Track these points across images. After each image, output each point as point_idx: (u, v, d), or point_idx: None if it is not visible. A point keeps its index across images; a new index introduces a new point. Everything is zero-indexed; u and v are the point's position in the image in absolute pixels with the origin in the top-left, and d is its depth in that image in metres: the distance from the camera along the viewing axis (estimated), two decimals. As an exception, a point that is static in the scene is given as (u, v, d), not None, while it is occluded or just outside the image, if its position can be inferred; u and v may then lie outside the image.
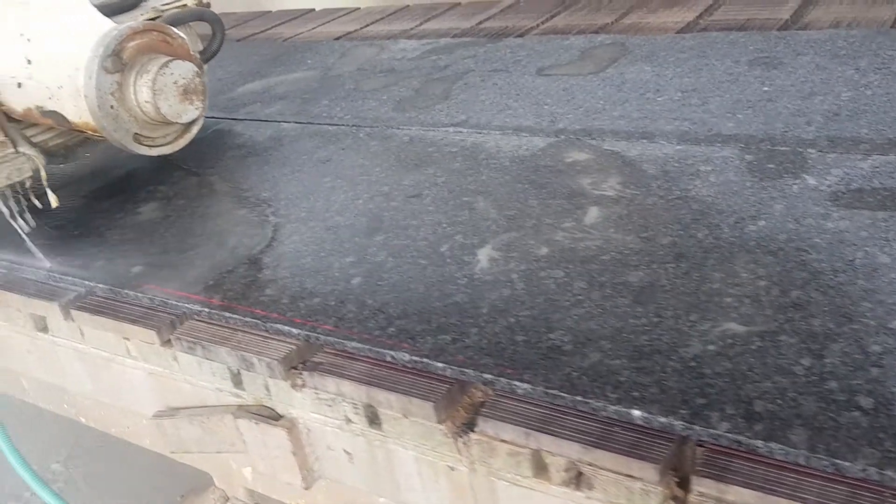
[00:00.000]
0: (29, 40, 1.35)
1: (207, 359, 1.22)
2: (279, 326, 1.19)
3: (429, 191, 1.52)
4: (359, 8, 3.44)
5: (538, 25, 2.51)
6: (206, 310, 1.27)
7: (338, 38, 2.91)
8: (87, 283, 1.42)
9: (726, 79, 1.72)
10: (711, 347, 0.95)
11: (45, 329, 1.49)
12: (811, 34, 1.88)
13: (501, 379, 0.98)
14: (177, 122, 1.53)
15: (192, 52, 1.54)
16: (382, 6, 3.40)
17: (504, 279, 1.18)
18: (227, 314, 1.25)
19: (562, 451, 0.89)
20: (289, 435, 1.15)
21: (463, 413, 1.02)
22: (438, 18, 2.91)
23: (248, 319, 1.23)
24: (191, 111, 1.51)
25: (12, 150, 1.35)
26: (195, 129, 1.62)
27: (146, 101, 1.44)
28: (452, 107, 1.92)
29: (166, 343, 1.28)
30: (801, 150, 1.37)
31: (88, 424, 2.00)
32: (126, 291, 1.37)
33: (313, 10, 3.54)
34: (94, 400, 1.85)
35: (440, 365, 1.03)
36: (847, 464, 0.76)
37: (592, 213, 1.30)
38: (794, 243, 1.12)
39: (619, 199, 1.32)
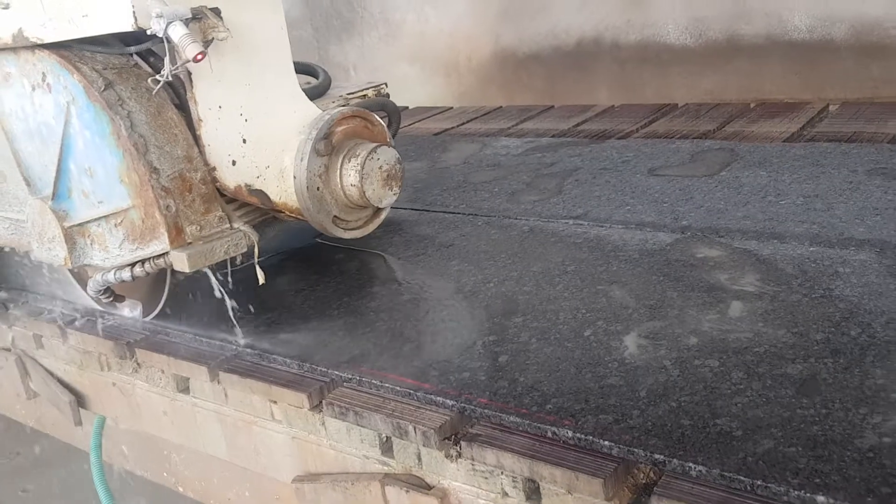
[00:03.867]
0: (246, 120, 1.45)
1: (359, 425, 1.26)
2: (433, 397, 1.23)
3: (560, 278, 1.57)
4: (451, 107, 3.61)
5: (638, 129, 2.61)
6: (357, 377, 1.32)
7: (437, 134, 3.05)
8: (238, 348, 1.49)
9: (847, 187, 1.76)
10: (887, 440, 0.96)
11: (186, 390, 1.55)
12: (925, 148, 1.92)
13: (674, 460, 1.00)
14: (371, 207, 1.58)
15: (389, 140, 1.62)
16: (476, 106, 3.57)
17: (657, 365, 1.20)
18: (379, 382, 1.29)
19: (744, 534, 0.90)
20: (441, 502, 1.17)
21: (628, 493, 1.03)
22: (534, 119, 3.03)
23: (399, 388, 1.27)
24: (389, 196, 1.57)
25: (228, 225, 1.42)
26: (383, 215, 1.66)
27: (352, 185, 1.50)
28: (568, 201, 2.00)
29: (315, 408, 1.33)
30: (939, 257, 1.39)
31: (186, 494, 2.02)
32: (274, 356, 1.43)
33: (407, 107, 3.72)
34: (196, 470, 1.88)
35: (607, 443, 1.05)
36: None
37: (736, 307, 1.33)
38: (953, 346, 1.13)
39: (762, 295, 1.35)
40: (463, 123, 3.18)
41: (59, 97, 1.36)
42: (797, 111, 2.49)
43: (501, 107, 3.41)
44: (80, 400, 1.81)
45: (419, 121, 3.37)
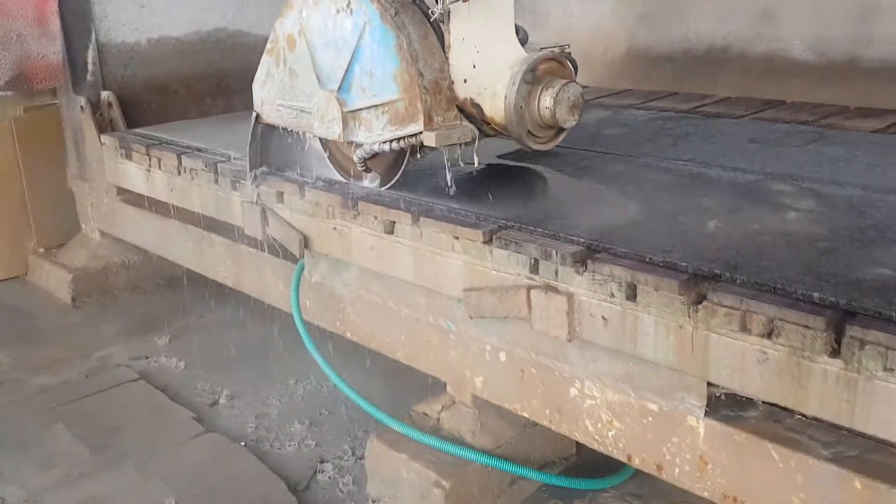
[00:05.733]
0: (478, 52, 2.01)
1: (517, 252, 1.87)
2: (569, 236, 1.83)
3: (666, 191, 2.14)
4: (588, 86, 4.18)
5: (748, 115, 3.12)
6: (518, 225, 1.94)
7: (575, 103, 3.63)
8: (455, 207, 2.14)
9: (904, 161, 2.25)
10: (869, 278, 1.51)
11: (391, 232, 2.20)
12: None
13: (727, 273, 1.57)
14: (556, 128, 2.17)
15: (575, 80, 2.21)
16: (608, 87, 4.13)
17: (726, 236, 1.78)
18: (532, 227, 1.91)
19: (763, 311, 1.46)
20: (567, 301, 1.77)
21: (694, 295, 1.60)
22: (659, 101, 3.57)
23: (546, 232, 1.88)
24: (571, 120, 2.16)
25: (460, 122, 2.07)
26: (561, 137, 2.27)
27: (546, 108, 2.10)
28: (680, 151, 2.55)
29: (486, 242, 1.95)
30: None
31: (353, 339, 2.65)
32: (459, 210, 2.07)
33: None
34: (364, 319, 2.51)
35: (684, 264, 1.63)
36: None
37: (792, 215, 1.88)
38: (937, 247, 1.65)
39: (813, 211, 1.90)
40: (597, 98, 3.74)
41: (357, 19, 2.03)
42: (891, 115, 2.94)
43: (631, 89, 3.95)
44: (305, 241, 2.50)
45: (560, 93, 3.95)
